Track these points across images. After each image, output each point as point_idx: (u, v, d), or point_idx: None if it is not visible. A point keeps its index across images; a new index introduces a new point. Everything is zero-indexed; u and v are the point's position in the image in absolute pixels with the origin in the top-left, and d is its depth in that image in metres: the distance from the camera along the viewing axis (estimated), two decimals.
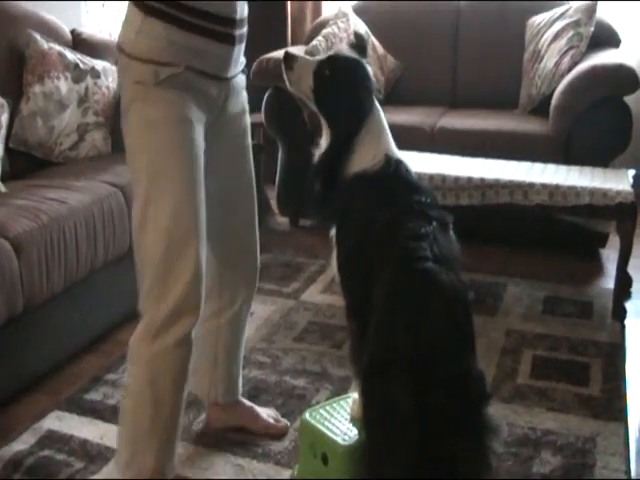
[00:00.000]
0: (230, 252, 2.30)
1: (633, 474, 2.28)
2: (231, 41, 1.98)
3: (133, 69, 1.92)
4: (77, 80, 3.40)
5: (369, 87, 2.08)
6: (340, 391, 2.55)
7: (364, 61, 2.11)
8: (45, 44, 3.35)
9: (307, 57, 2.18)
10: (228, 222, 2.24)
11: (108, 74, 3.54)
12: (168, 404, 2.00)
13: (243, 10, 2.02)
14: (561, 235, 3.84)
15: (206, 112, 2.02)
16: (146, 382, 1.97)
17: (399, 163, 2.05)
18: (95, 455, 2.36)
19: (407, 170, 2.06)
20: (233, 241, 2.29)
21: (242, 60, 2.11)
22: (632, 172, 3.47)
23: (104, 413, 2.57)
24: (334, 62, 2.08)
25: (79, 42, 3.67)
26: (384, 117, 2.13)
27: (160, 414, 1.99)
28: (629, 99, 3.85)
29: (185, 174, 1.94)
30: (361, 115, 2.05)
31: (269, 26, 5.06)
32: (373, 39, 4.73)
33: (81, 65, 3.43)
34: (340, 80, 2.06)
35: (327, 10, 5.20)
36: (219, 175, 2.15)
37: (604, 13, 4.44)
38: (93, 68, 3.47)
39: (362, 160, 2.01)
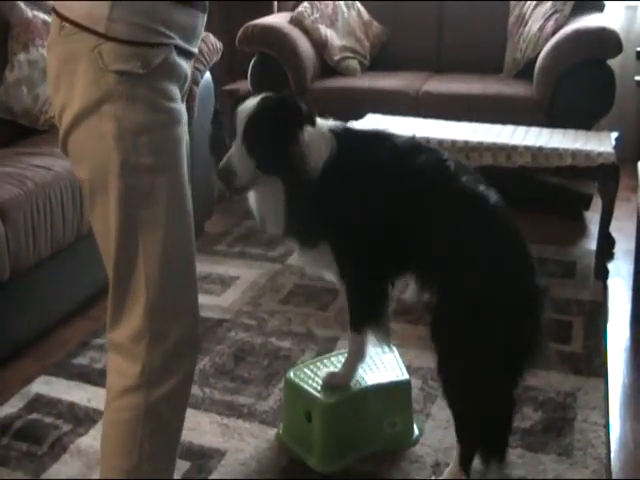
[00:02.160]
0: None
1: (612, 427, 2.32)
2: (204, 8, 1.61)
3: (109, 54, 1.46)
4: None
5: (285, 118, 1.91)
6: (325, 351, 2.57)
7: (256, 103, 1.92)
8: (29, 12, 3.33)
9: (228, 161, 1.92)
10: None
11: None
12: (169, 454, 1.70)
13: None
14: (546, 197, 3.86)
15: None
16: (144, 435, 1.60)
17: (345, 127, 2.03)
18: (82, 417, 2.39)
19: (356, 128, 2.06)
20: None
21: None
22: (615, 134, 3.49)
23: (91, 377, 2.59)
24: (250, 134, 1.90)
25: None
26: None
27: (158, 467, 1.66)
28: (612, 62, 3.87)
29: (183, 193, 1.59)
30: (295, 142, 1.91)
31: None
32: (358, 5, 4.73)
33: None
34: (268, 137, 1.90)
35: None
36: None
37: None
38: None
39: (319, 154, 1.93)
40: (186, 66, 1.61)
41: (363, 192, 1.94)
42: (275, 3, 5.14)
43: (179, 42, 1.54)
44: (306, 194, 1.93)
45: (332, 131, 1.98)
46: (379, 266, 2.01)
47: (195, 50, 1.63)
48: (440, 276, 1.92)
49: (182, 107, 1.61)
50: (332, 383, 2.17)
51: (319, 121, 1.97)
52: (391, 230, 1.93)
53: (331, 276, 2.11)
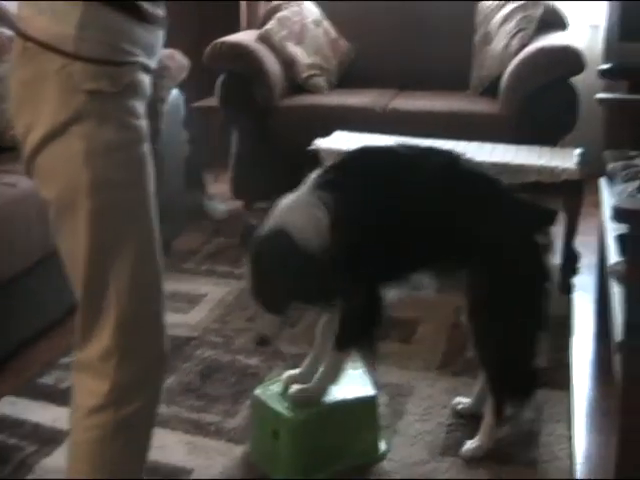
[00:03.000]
0: None
1: (577, 440, 2.34)
2: (164, 24, 1.61)
3: (80, 74, 1.46)
4: None
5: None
6: (293, 368, 2.57)
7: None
8: None
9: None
10: None
11: None
12: (137, 470, 1.71)
13: None
14: None
15: None
16: (113, 452, 1.62)
17: (327, 180, 2.10)
18: (48, 438, 2.36)
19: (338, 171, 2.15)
20: None
21: None
22: (579, 151, 3.53)
23: (57, 397, 2.56)
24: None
25: None
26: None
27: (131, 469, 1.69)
28: (576, 80, 3.92)
29: (150, 209, 1.60)
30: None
31: (222, 10, 5.07)
32: (326, 23, 4.75)
33: None
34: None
35: None
36: None
37: None
38: None
39: (318, 229, 2.01)
40: (147, 82, 1.62)
41: (371, 211, 2.04)
42: (243, 20, 5.17)
43: (143, 59, 1.56)
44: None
45: (318, 195, 2.04)
46: (383, 279, 2.12)
47: (154, 66, 1.64)
48: (468, 261, 2.12)
49: (146, 124, 1.62)
50: (302, 399, 2.16)
51: (306, 199, 2.05)
52: (404, 239, 2.07)
53: None
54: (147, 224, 1.61)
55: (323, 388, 2.16)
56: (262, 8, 5.12)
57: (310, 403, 2.15)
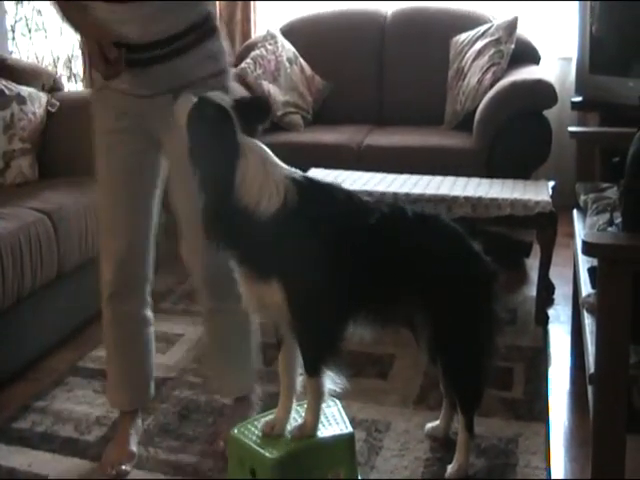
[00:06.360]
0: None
1: (553, 470, 2.35)
2: (142, 63, 2.13)
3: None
4: (2, 107, 3.40)
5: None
6: (270, 407, 2.55)
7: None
8: None
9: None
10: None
11: (34, 100, 3.54)
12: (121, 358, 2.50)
13: (158, 32, 2.09)
14: (487, 246, 3.91)
15: (135, 125, 2.24)
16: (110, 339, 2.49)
17: (308, 179, 2.05)
18: None
19: (321, 182, 2.11)
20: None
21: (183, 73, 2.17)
22: (551, 183, 3.58)
23: (32, 441, 2.54)
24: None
25: (4, 68, 3.67)
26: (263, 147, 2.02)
27: (117, 360, 2.50)
28: (548, 113, 3.98)
29: (106, 178, 2.32)
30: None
31: None
32: (301, 60, 4.81)
33: (6, 91, 3.44)
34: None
35: (256, 32, 5.28)
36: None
37: (524, 30, 4.58)
38: (19, 94, 3.48)
39: (264, 198, 1.93)
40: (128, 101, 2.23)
41: (326, 241, 1.97)
42: None
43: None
44: (255, 232, 1.94)
45: (292, 179, 1.98)
46: (341, 305, 2.08)
47: (145, 93, 2.16)
48: (421, 294, 2.17)
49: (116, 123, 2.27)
50: (302, 435, 2.14)
51: (276, 166, 1.99)
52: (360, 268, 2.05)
53: (279, 320, 2.11)
54: (103, 184, 2.34)
55: (317, 416, 2.15)
56: (237, 47, 5.17)
57: (311, 435, 2.14)
